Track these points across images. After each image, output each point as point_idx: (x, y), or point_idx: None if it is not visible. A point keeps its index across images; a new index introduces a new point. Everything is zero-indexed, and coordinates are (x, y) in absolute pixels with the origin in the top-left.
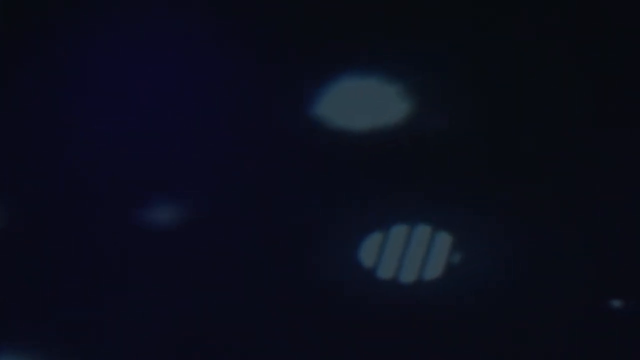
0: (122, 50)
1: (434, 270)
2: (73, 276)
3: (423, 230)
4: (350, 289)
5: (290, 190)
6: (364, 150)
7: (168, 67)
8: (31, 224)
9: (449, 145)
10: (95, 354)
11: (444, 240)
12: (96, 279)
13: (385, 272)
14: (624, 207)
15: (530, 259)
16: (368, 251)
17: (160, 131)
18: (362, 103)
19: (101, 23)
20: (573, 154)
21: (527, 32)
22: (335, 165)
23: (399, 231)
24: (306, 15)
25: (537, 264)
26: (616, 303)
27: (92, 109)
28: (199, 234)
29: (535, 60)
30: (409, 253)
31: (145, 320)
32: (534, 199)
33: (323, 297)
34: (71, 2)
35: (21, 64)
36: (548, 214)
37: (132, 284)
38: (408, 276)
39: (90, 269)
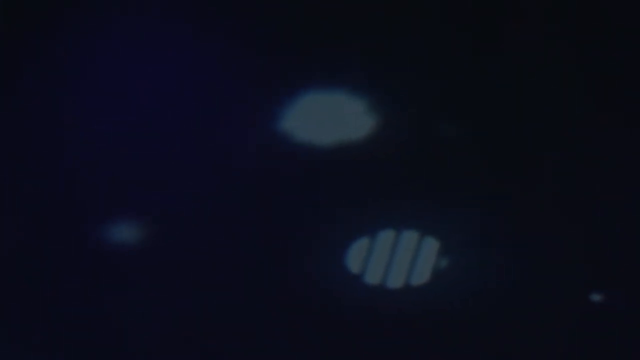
0: (122, 50)
1: (421, 275)
2: (73, 276)
3: (410, 236)
4: (337, 294)
5: (276, 196)
6: (344, 159)
7: (168, 67)
8: (31, 224)
9: (437, 152)
10: (95, 353)
11: (431, 245)
12: (96, 279)
13: (372, 278)
14: (615, 209)
15: (518, 264)
16: (355, 257)
17: (160, 131)
18: (329, 117)
19: (101, 23)
20: (566, 156)
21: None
22: (321, 172)
23: (386, 237)
24: (270, 33)
25: (525, 269)
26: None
27: (92, 109)
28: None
29: (535, 60)
30: (396, 258)
31: (145, 321)
32: (520, 204)
33: (310, 303)
34: (71, 2)
35: (21, 64)
36: (535, 219)
37: (132, 283)
38: (395, 282)
39: (90, 268)
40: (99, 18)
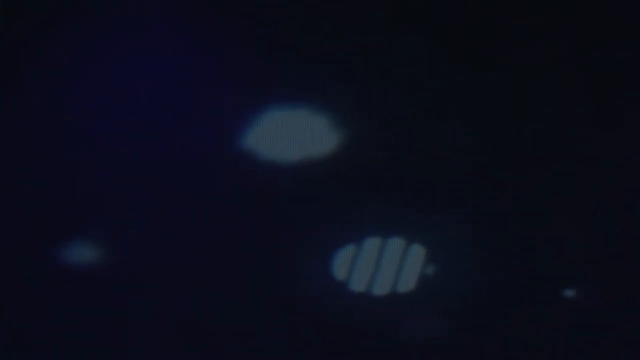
0: (122, 50)
1: (407, 282)
2: (72, 276)
3: (396, 243)
4: (324, 301)
5: (263, 204)
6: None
7: (168, 67)
8: (31, 224)
9: (422, 161)
10: (95, 353)
11: (417, 252)
12: (96, 279)
13: (358, 285)
14: (600, 210)
15: (503, 270)
16: (341, 264)
17: (160, 131)
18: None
19: (101, 23)
20: (553, 160)
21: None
22: (308, 180)
23: (372, 244)
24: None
25: (510, 274)
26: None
27: (92, 109)
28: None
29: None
30: (382, 265)
31: (145, 320)
32: (505, 210)
33: (296, 310)
34: (71, 2)
35: (21, 64)
36: (520, 225)
37: (132, 283)
38: (381, 289)
39: (90, 268)
40: (99, 18)
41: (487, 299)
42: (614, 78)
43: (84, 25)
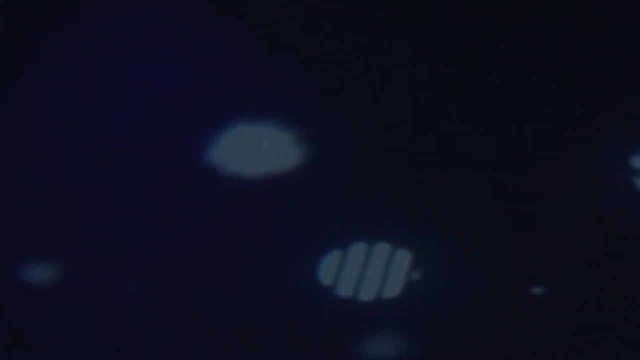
0: (122, 50)
1: (394, 288)
2: (72, 276)
3: (382, 248)
4: (309, 306)
5: (250, 207)
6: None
7: (168, 67)
8: (31, 224)
9: (407, 166)
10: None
11: (404, 257)
12: (96, 279)
13: (344, 290)
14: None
15: (490, 275)
16: (327, 269)
17: (160, 131)
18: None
19: (101, 23)
20: (538, 164)
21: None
22: (296, 185)
23: (358, 249)
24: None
25: (496, 279)
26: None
27: (92, 109)
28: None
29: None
30: (368, 271)
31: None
32: (491, 216)
33: (281, 315)
34: (71, 2)
35: (21, 64)
36: (506, 230)
37: (132, 282)
38: (367, 294)
39: (90, 268)
40: (99, 18)
41: (473, 303)
42: (614, 78)
43: (84, 25)
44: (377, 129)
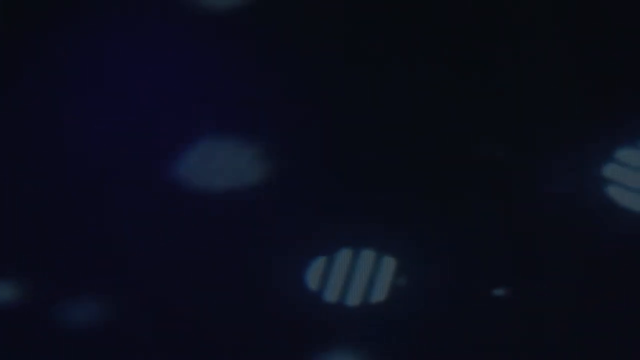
0: (122, 50)
1: (379, 293)
2: (72, 276)
3: (368, 254)
4: (296, 312)
5: (236, 211)
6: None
7: (168, 67)
8: (31, 224)
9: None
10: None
11: (389, 264)
12: (96, 278)
13: (330, 296)
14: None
15: (476, 280)
16: (314, 275)
17: (160, 131)
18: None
19: (101, 23)
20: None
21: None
22: (279, 192)
23: (344, 255)
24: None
25: (482, 285)
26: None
27: (92, 109)
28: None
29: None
30: (354, 276)
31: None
32: (477, 220)
33: (268, 321)
34: (71, 2)
35: (21, 64)
36: (492, 234)
37: (132, 282)
38: (353, 299)
39: (90, 268)
40: (99, 18)
41: (458, 307)
42: (614, 78)
43: (84, 25)
44: (357, 135)
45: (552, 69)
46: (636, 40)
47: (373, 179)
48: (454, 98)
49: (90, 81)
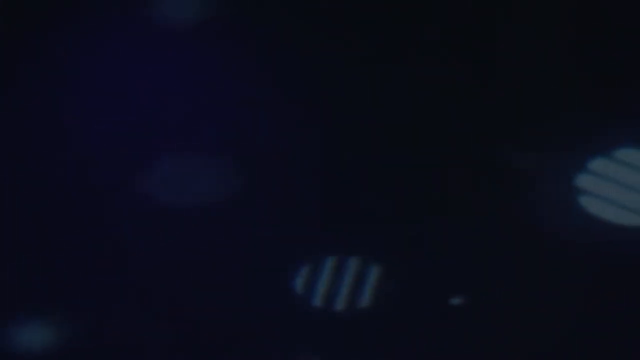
0: (122, 50)
1: (366, 298)
2: (71, 277)
3: (354, 261)
4: (285, 317)
5: (226, 216)
6: None
7: (168, 67)
8: (31, 224)
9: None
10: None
11: (375, 270)
12: (96, 278)
13: (318, 301)
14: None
15: (463, 284)
16: (301, 280)
17: (160, 131)
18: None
19: (101, 23)
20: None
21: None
22: (267, 198)
23: (331, 261)
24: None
25: (469, 288)
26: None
27: (92, 109)
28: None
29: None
30: (341, 282)
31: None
32: (464, 227)
33: (257, 327)
34: (71, 2)
35: (21, 64)
36: (479, 239)
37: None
38: (340, 304)
39: (90, 268)
40: (99, 18)
41: (446, 312)
42: (614, 78)
43: (84, 25)
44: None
45: (552, 69)
46: (636, 40)
47: (362, 183)
48: (454, 98)
49: (91, 81)
